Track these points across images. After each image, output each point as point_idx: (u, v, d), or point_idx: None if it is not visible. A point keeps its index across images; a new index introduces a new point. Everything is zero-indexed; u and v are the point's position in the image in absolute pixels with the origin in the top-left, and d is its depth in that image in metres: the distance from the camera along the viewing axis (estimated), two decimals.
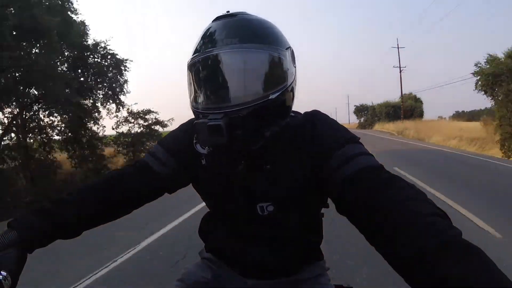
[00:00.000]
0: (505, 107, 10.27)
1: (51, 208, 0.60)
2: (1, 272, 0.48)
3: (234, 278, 0.74)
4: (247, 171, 0.65)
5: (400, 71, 26.00)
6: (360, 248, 2.50)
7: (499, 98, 11.07)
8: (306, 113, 0.69)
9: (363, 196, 0.50)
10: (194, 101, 0.63)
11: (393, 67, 27.57)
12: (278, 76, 0.60)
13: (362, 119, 37.75)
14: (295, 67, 0.66)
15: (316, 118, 0.66)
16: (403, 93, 27.68)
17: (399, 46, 27.05)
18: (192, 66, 0.62)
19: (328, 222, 0.74)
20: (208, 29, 0.63)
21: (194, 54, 0.62)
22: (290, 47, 0.65)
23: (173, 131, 0.77)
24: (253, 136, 0.59)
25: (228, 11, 0.65)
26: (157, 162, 0.70)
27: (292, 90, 0.64)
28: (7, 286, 0.48)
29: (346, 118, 45.27)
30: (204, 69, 0.61)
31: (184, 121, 0.78)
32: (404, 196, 0.47)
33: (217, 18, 0.64)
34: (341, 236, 2.72)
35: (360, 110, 38.52)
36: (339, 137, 0.60)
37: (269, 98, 0.58)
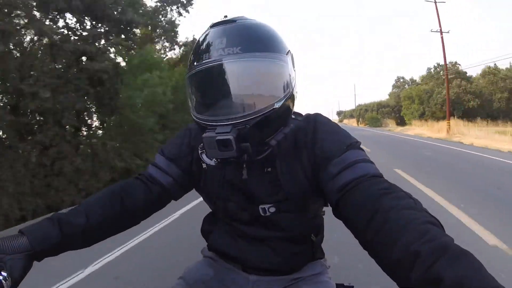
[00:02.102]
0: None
1: (61, 218, 0.59)
2: (2, 272, 0.49)
3: (236, 275, 0.74)
4: (248, 174, 0.66)
5: (355, 98, 51.94)
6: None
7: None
8: (307, 116, 0.69)
9: (360, 203, 0.51)
10: (198, 112, 0.62)
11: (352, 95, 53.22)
12: (282, 84, 0.60)
13: (339, 117, 65.31)
14: (295, 71, 0.65)
15: (318, 122, 0.66)
16: (363, 103, 53.58)
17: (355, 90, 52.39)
18: (194, 77, 0.61)
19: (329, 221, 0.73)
20: (207, 36, 0.61)
21: (194, 63, 0.60)
22: (289, 51, 0.64)
23: (172, 138, 0.77)
24: (260, 146, 0.60)
25: (225, 16, 0.64)
26: (160, 172, 0.71)
27: (293, 96, 0.63)
28: (7, 287, 0.48)
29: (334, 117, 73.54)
30: (208, 80, 0.60)
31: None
32: (401, 204, 0.47)
33: (215, 24, 0.62)
34: (343, 235, 1.75)
35: (339, 113, 67.34)
36: (341, 143, 0.60)
37: (275, 107, 0.58)
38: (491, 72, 25.52)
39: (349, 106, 72.11)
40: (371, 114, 33.49)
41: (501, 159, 7.35)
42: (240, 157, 0.57)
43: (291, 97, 0.63)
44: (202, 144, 0.61)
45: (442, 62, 28.22)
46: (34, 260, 0.55)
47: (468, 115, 22.76)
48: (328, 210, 0.73)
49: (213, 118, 0.59)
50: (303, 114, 0.72)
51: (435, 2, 17.89)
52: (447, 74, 19.65)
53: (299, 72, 0.69)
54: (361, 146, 0.63)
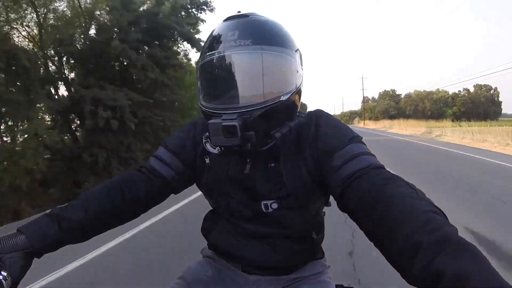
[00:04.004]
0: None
1: (59, 214, 0.59)
2: (1, 272, 0.49)
3: (236, 275, 0.74)
4: (251, 169, 0.67)
5: (343, 107, 75.97)
6: (363, 249, 2.36)
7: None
8: (309, 112, 0.70)
9: (363, 193, 0.51)
10: (205, 100, 0.63)
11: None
12: (289, 78, 0.62)
13: None
14: (302, 69, 0.67)
15: (319, 117, 0.67)
16: (346, 110, 76.66)
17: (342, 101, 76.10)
18: (205, 66, 0.62)
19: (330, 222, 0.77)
20: (220, 28, 0.63)
21: (206, 53, 0.62)
22: (298, 49, 0.66)
23: (176, 132, 0.78)
24: (264, 137, 0.60)
25: (239, 11, 0.66)
26: (163, 165, 0.71)
27: (300, 92, 0.65)
28: (7, 287, 0.48)
29: None
30: (218, 69, 0.61)
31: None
32: (403, 194, 0.47)
33: (229, 18, 0.64)
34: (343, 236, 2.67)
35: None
36: (342, 137, 0.61)
37: (281, 99, 0.59)
38: (407, 96, 49.17)
39: (339, 111, 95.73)
40: (345, 117, 64.05)
41: (373, 131, 29.10)
42: (244, 145, 0.57)
43: (298, 93, 0.64)
44: (207, 133, 0.61)
45: (387, 89, 53.51)
46: (34, 257, 0.55)
47: (393, 117, 45.92)
48: (328, 211, 0.77)
49: (220, 106, 0.60)
50: (305, 112, 0.73)
51: (362, 78, 49.82)
52: (363, 107, 45.92)
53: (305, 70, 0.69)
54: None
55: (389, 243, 0.44)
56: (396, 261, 0.42)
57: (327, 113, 0.69)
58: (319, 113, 0.69)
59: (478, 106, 49.22)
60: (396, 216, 0.44)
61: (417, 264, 0.38)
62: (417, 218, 0.41)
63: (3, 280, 0.48)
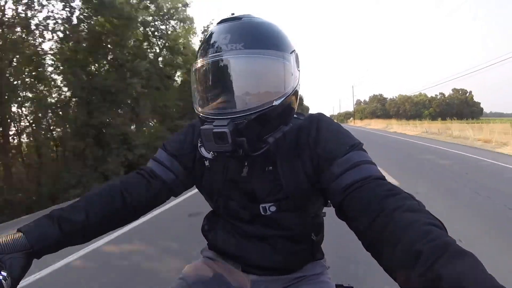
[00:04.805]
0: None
1: (60, 215, 0.59)
2: (1, 272, 0.49)
3: (236, 275, 0.74)
4: (250, 172, 0.67)
5: (340, 108, 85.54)
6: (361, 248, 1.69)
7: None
8: (310, 115, 0.70)
9: (365, 203, 0.51)
10: (199, 105, 0.63)
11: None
12: (282, 82, 0.61)
13: None
14: (299, 70, 0.66)
15: (320, 121, 0.66)
16: (342, 111, 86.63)
17: (340, 103, 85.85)
18: (197, 71, 0.63)
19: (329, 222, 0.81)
20: (213, 32, 0.63)
21: (199, 58, 0.62)
22: (294, 50, 0.65)
23: (176, 134, 0.77)
24: (257, 143, 0.60)
25: (233, 14, 0.65)
26: (162, 168, 0.72)
27: (296, 94, 0.64)
28: (7, 287, 0.49)
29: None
30: (209, 74, 0.61)
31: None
32: (404, 205, 0.47)
33: (222, 21, 0.63)
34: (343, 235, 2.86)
35: (330, 116, 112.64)
36: (343, 144, 0.61)
37: (273, 104, 0.58)
38: (392, 100, 59.30)
39: (336, 111, 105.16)
40: (341, 117, 73.15)
41: (355, 127, 39.36)
42: (235, 151, 0.58)
43: (294, 95, 0.63)
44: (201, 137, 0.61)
45: (376, 93, 64.21)
46: (33, 258, 0.55)
47: (379, 117, 55.90)
48: (328, 211, 0.76)
49: (212, 112, 0.60)
50: (305, 114, 0.73)
51: (352, 87, 61.59)
52: (354, 110, 56.72)
53: (304, 72, 0.68)
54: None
55: (388, 253, 0.44)
56: (395, 270, 0.42)
57: (328, 118, 0.69)
58: (320, 117, 0.68)
59: (453, 107, 59.13)
60: (396, 228, 0.44)
61: (415, 271, 0.37)
62: (417, 230, 0.42)
63: (3, 280, 0.48)
